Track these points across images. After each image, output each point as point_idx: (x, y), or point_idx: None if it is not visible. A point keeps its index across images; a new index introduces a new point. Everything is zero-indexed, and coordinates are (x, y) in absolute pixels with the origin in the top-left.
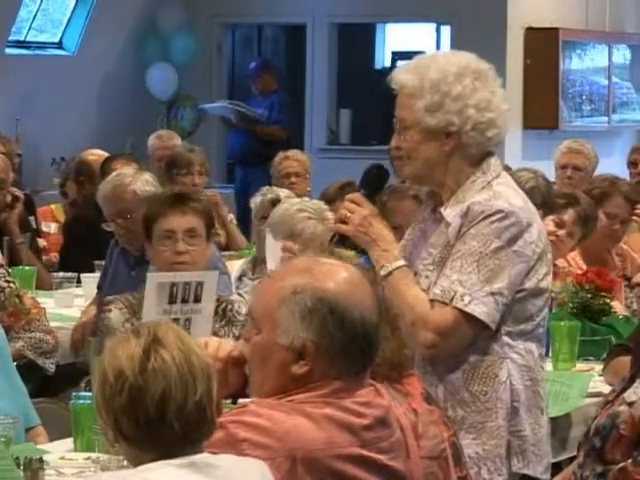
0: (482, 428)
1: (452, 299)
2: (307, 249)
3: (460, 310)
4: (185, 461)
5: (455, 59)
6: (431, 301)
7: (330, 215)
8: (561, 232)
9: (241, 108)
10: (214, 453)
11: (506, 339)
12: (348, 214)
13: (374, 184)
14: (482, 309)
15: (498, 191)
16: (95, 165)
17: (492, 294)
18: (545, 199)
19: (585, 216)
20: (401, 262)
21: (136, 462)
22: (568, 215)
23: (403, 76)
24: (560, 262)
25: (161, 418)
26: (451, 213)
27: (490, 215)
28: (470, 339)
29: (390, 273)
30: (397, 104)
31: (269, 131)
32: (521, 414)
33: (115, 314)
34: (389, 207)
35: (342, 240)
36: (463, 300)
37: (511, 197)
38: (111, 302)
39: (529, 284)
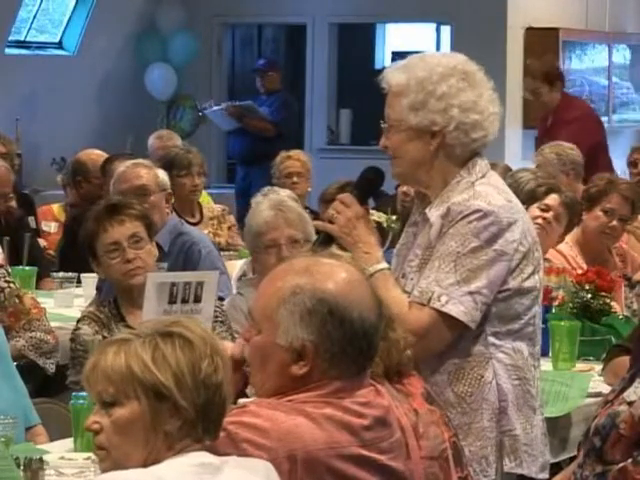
0: (468, 429)
1: (429, 300)
2: (294, 242)
3: (437, 310)
4: (196, 461)
5: (444, 59)
6: (410, 302)
7: (288, 200)
8: (548, 215)
9: (240, 103)
10: (216, 454)
11: (492, 339)
12: (335, 214)
13: (367, 187)
14: (460, 309)
15: (478, 191)
16: (90, 164)
17: (470, 293)
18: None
19: (569, 200)
20: (382, 265)
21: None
22: (552, 199)
23: (391, 75)
24: (553, 256)
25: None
26: (435, 213)
27: (468, 215)
28: (449, 339)
29: (371, 276)
30: (385, 103)
31: (257, 124)
32: (510, 413)
33: (85, 329)
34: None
35: (329, 240)
36: (440, 300)
37: (491, 196)
38: (80, 320)
39: (513, 283)
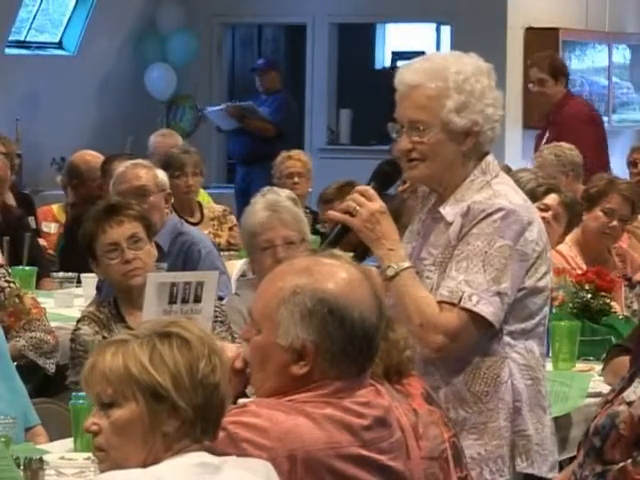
0: (484, 429)
1: (460, 300)
2: (290, 243)
3: (468, 311)
4: (196, 461)
5: (466, 59)
6: (439, 303)
7: (284, 200)
8: (547, 214)
9: (240, 103)
10: (216, 453)
11: (507, 339)
12: (357, 207)
13: (385, 180)
14: (489, 309)
15: (498, 190)
16: (84, 166)
17: (498, 294)
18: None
19: (569, 200)
20: (408, 263)
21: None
22: (551, 199)
23: (417, 77)
24: (553, 257)
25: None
26: (450, 212)
27: (491, 214)
28: (477, 339)
29: (397, 274)
30: (407, 105)
31: (257, 125)
32: (524, 414)
33: (85, 329)
34: (409, 205)
35: (343, 235)
36: (471, 300)
37: (511, 195)
38: (80, 320)
39: (529, 282)
